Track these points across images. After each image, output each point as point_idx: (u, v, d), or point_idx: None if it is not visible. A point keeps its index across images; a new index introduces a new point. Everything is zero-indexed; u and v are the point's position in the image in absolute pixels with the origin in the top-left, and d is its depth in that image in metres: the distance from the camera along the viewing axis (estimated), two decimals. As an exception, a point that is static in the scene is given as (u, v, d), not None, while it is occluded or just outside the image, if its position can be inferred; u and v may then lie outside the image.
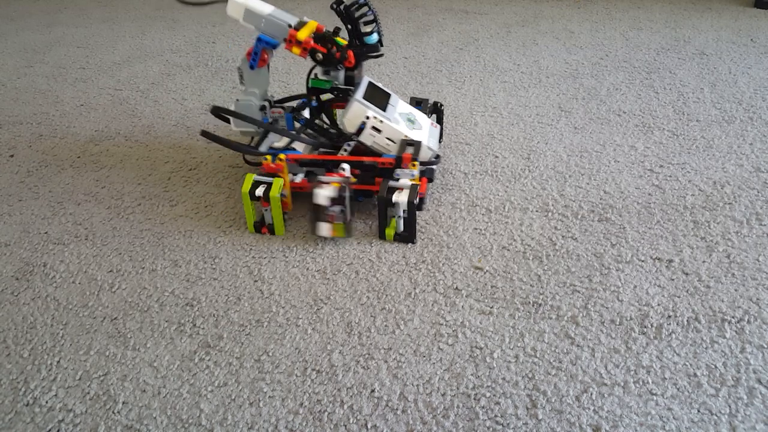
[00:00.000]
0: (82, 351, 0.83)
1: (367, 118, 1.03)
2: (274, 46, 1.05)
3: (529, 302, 0.88)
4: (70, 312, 0.90)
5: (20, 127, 1.44)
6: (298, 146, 1.11)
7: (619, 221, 1.04)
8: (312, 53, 1.03)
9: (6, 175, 1.25)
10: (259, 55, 1.06)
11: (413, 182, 1.01)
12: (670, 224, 1.03)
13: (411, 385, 0.77)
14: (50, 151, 1.33)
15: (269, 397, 0.76)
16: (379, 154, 1.06)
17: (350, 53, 1.04)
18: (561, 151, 1.25)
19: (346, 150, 1.07)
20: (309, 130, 1.12)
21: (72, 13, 2.26)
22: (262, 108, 1.09)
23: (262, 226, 1.04)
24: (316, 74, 1.08)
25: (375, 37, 1.05)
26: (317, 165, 1.07)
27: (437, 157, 1.08)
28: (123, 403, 0.76)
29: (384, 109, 1.06)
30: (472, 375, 0.78)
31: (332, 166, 1.06)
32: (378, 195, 0.98)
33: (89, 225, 1.09)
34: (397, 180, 1.02)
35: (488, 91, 1.53)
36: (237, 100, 1.09)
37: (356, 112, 1.03)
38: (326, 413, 0.74)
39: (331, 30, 1.05)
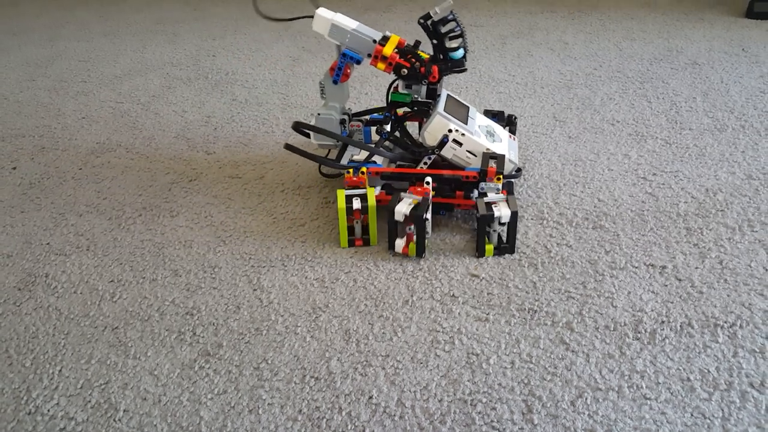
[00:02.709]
0: (84, 360, 0.84)
1: (450, 131, 1.02)
2: (358, 62, 1.05)
3: (525, 309, 0.90)
4: (72, 321, 0.91)
5: (23, 139, 1.46)
6: (378, 159, 1.11)
7: (613, 228, 1.06)
8: (397, 68, 1.03)
9: (9, 187, 1.27)
10: (342, 70, 1.06)
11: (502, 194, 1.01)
12: (663, 231, 1.04)
13: (408, 391, 0.78)
14: (52, 164, 1.35)
15: (268, 404, 0.77)
16: (458, 168, 1.05)
17: (435, 68, 1.03)
18: (555, 160, 1.27)
19: (426, 163, 1.06)
20: (387, 143, 1.11)
21: (74, 28, 2.28)
22: (342, 122, 1.11)
23: (355, 239, 1.03)
24: (396, 88, 1.08)
25: (461, 52, 1.04)
26: (399, 178, 1.06)
27: (518, 170, 1.08)
28: (124, 411, 0.77)
29: (465, 122, 1.05)
30: (468, 381, 0.79)
31: (415, 180, 1.05)
32: (480, 214, 0.97)
33: (91, 236, 1.10)
34: (484, 193, 1.02)
35: (484, 101, 1.55)
36: (318, 114, 1.10)
37: (438, 126, 1.03)
38: (324, 420, 0.75)
39: (412, 44, 1.05)
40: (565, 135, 1.37)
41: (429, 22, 1.01)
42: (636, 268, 0.96)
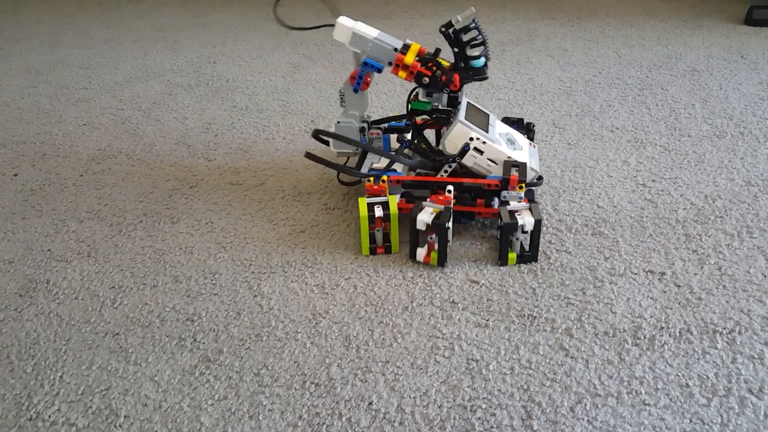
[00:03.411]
0: (85, 366, 0.85)
1: (471, 139, 1.02)
2: (379, 70, 1.05)
3: (524, 315, 0.90)
4: (73, 328, 0.91)
5: (24, 146, 1.47)
6: (398, 167, 1.10)
7: (612, 235, 1.06)
8: (418, 77, 1.03)
9: (10, 193, 1.27)
10: (363, 78, 1.06)
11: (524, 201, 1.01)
12: (662, 237, 1.05)
13: (408, 397, 0.78)
14: (53, 170, 1.35)
15: (268, 410, 0.77)
16: (479, 176, 1.05)
17: (456, 77, 1.03)
18: (555, 167, 1.28)
19: (446, 171, 1.06)
20: (407, 151, 1.11)
21: (75, 35, 2.29)
22: (362, 129, 1.11)
23: (377, 247, 1.03)
24: (416, 96, 1.08)
25: (482, 60, 1.03)
26: (420, 187, 1.06)
27: (539, 178, 1.08)
28: (125, 417, 0.77)
29: (485, 130, 1.04)
30: (468, 387, 0.79)
31: (436, 188, 1.05)
32: (504, 223, 0.96)
33: (91, 242, 1.11)
34: (506, 201, 1.01)
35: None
36: (338, 122, 1.10)
37: (459, 134, 1.02)
38: (325, 426, 0.75)
39: (432, 51, 1.05)
40: (564, 142, 1.38)
41: (450, 31, 1.01)
42: (635, 274, 0.97)
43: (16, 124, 1.59)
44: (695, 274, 0.96)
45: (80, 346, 0.88)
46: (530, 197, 1.05)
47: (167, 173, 1.32)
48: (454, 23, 1.00)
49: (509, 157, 1.03)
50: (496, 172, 1.04)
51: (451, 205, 1.00)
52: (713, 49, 1.88)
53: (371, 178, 1.03)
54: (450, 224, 0.99)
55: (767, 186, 1.18)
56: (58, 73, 1.92)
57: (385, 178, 1.03)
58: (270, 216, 1.16)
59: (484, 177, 1.05)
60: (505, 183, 1.01)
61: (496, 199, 1.05)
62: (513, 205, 1.01)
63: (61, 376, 0.83)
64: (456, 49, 1.03)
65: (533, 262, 1.00)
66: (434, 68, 1.03)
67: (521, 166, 1.03)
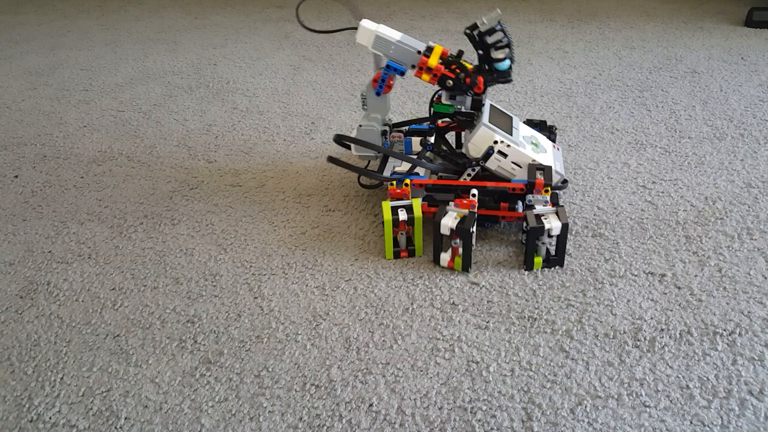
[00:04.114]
0: (85, 368, 0.85)
1: (495, 142, 1.01)
2: (402, 73, 1.04)
3: (525, 317, 0.90)
4: (74, 329, 0.91)
5: (24, 148, 1.47)
6: (420, 170, 1.10)
7: (612, 236, 1.06)
8: (441, 80, 1.02)
9: (10, 195, 1.27)
10: (385, 81, 1.06)
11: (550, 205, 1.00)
12: (662, 239, 1.05)
13: (408, 399, 0.78)
14: (54, 172, 1.36)
15: (269, 412, 0.77)
16: (502, 179, 1.03)
17: (480, 79, 1.01)
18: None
19: (469, 175, 1.04)
20: (428, 154, 1.09)
21: (75, 37, 2.30)
22: (383, 133, 1.10)
23: (401, 251, 1.03)
24: (439, 98, 1.07)
25: (507, 63, 1.02)
26: (443, 190, 1.05)
27: (564, 181, 1.06)
28: (125, 418, 0.77)
29: (509, 133, 1.02)
30: (468, 389, 0.79)
31: (461, 192, 1.04)
32: (531, 227, 0.95)
33: (92, 244, 1.11)
34: (530, 205, 1.00)
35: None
36: (359, 125, 1.10)
37: (483, 137, 1.00)
38: (325, 427, 0.75)
39: (455, 53, 1.04)
40: (564, 143, 1.38)
41: (475, 33, 0.99)
42: (635, 276, 0.97)
43: (17, 126, 1.59)
44: (695, 275, 0.96)
45: (81, 348, 0.88)
46: (555, 200, 1.04)
47: (168, 175, 1.32)
48: (479, 25, 0.99)
49: (534, 161, 1.02)
50: (521, 175, 1.02)
51: (475, 210, 0.98)
52: (713, 50, 1.88)
53: (394, 182, 1.03)
54: (474, 229, 0.97)
55: (767, 188, 1.18)
56: (59, 75, 1.92)
57: (408, 181, 1.02)
58: (270, 218, 1.16)
59: (507, 180, 1.03)
60: (530, 187, 1.00)
61: (520, 203, 1.04)
62: (539, 208, 0.99)
63: (61, 378, 0.83)
64: (480, 51, 1.01)
65: (559, 267, 0.99)
66: (458, 71, 1.01)
67: (546, 170, 1.01)
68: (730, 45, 1.91)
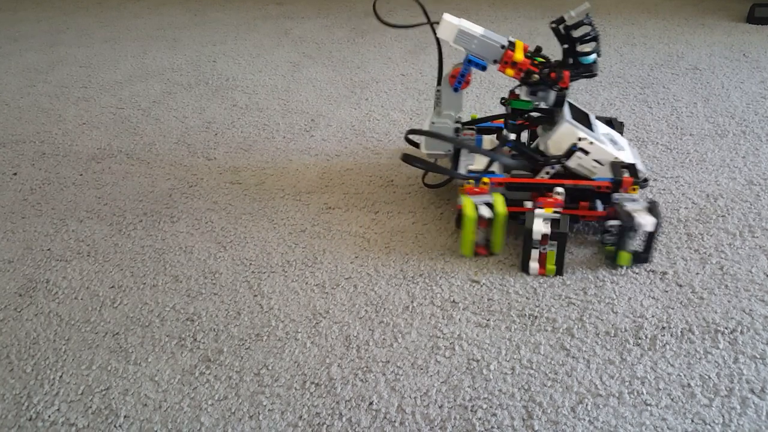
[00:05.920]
0: (85, 366, 0.84)
1: (579, 140, 0.98)
2: (483, 68, 1.03)
3: (525, 315, 0.90)
4: (73, 327, 0.91)
5: (23, 145, 1.46)
6: (496, 168, 1.06)
7: (613, 234, 1.05)
8: (527, 75, 1.00)
9: (9, 192, 1.27)
10: (465, 77, 1.04)
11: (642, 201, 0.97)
12: (663, 237, 1.04)
13: (409, 397, 0.78)
14: (53, 169, 1.35)
15: (269, 410, 0.77)
16: (581, 177, 1.01)
17: (566, 74, 0.99)
18: (556, 166, 1.27)
19: (548, 173, 1.01)
20: (505, 150, 1.07)
21: (74, 34, 2.29)
22: (456, 130, 1.09)
23: (479, 248, 1.01)
24: (518, 95, 1.05)
25: (594, 56, 0.99)
26: (525, 189, 1.02)
27: (645, 180, 1.02)
28: (125, 417, 0.77)
29: (590, 130, 1.01)
30: (468, 387, 0.79)
31: (544, 190, 1.00)
32: (623, 223, 0.93)
33: (91, 242, 1.10)
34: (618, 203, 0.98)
35: (485, 107, 1.56)
36: (432, 122, 1.08)
37: (566, 134, 0.98)
38: (325, 426, 0.75)
39: (533, 49, 1.02)
40: (565, 140, 1.37)
41: (561, 27, 0.98)
42: (637, 273, 0.96)
43: (16, 123, 1.58)
44: (697, 273, 0.96)
45: (80, 346, 0.88)
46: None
47: (167, 172, 1.32)
48: (566, 19, 0.97)
49: (616, 158, 1.00)
50: (601, 173, 1.00)
51: (562, 209, 0.96)
52: (715, 47, 1.87)
53: (471, 180, 1.00)
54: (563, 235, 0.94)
55: (769, 185, 1.17)
56: (58, 72, 1.91)
57: (486, 180, 1.00)
58: (270, 215, 1.15)
59: (586, 178, 1.01)
60: (616, 185, 0.98)
61: (598, 202, 1.01)
62: (631, 205, 0.97)
63: (60, 376, 0.83)
64: (566, 45, 0.99)
65: (646, 263, 0.97)
66: (541, 66, 0.99)
67: (631, 168, 0.99)
68: (731, 42, 1.91)
